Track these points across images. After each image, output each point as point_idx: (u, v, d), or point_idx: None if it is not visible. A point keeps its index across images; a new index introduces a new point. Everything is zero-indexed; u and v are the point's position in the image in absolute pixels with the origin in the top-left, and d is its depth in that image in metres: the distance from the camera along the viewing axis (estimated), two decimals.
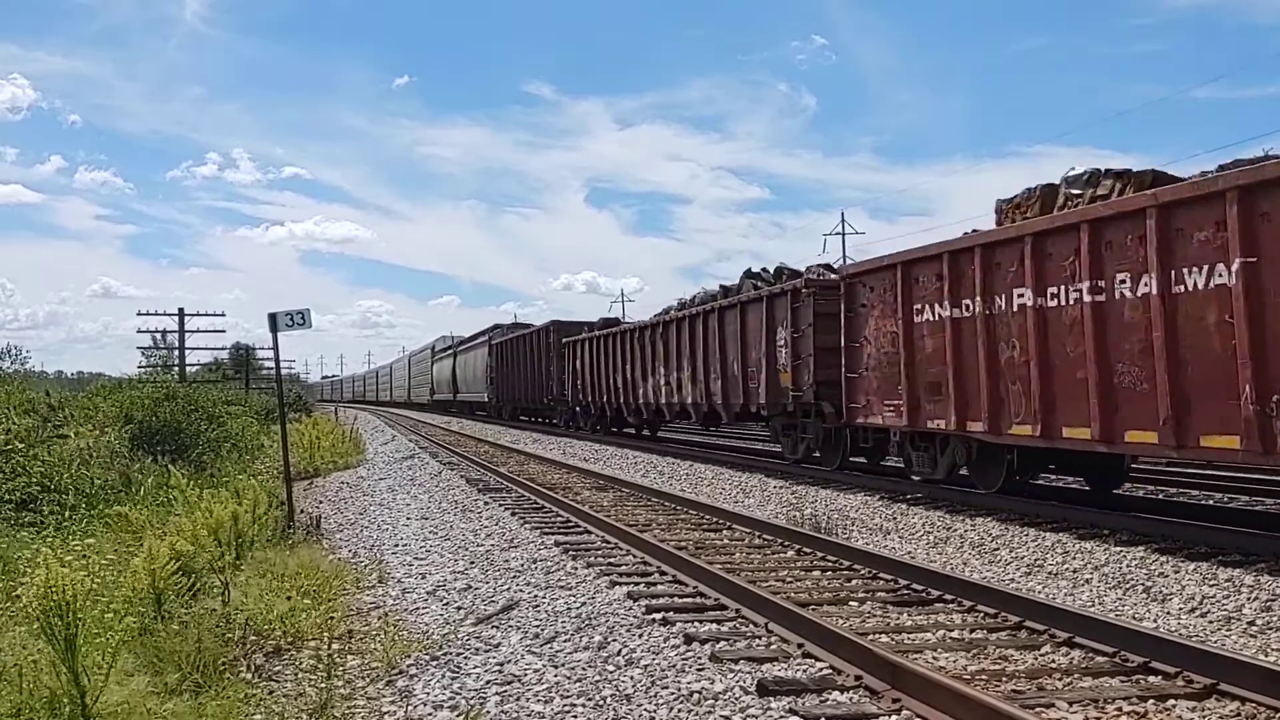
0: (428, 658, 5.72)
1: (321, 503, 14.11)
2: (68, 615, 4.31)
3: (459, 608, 7.06)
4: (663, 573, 8.00)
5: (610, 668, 5.44)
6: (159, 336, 50.20)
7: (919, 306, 11.71)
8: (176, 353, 46.96)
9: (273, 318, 11.21)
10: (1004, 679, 5.05)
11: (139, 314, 50.18)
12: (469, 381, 49.09)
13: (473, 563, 8.81)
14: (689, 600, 7.05)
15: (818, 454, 15.35)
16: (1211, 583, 7.17)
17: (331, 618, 6.40)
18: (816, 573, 8.01)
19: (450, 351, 56.46)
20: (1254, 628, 6.23)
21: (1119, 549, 8.45)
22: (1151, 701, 4.65)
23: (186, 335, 46.32)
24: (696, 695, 4.88)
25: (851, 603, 6.89)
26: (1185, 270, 8.20)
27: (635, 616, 6.55)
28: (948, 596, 6.83)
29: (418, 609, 7.07)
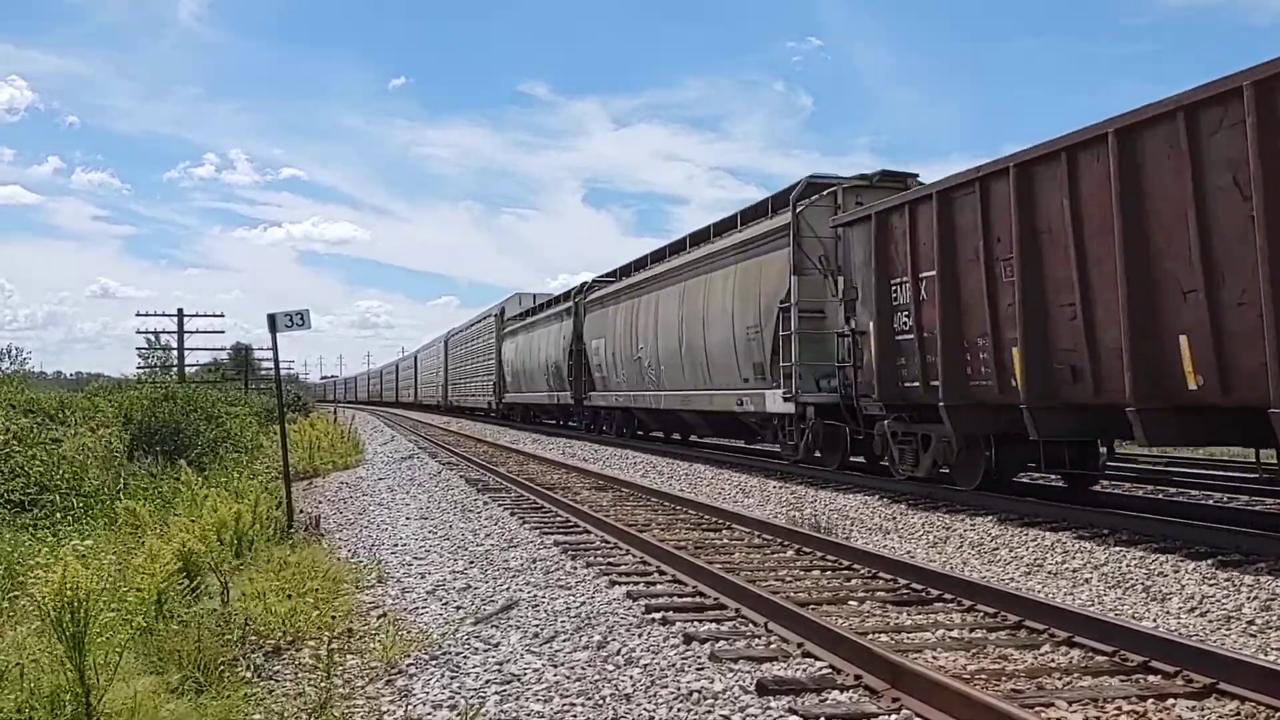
0: (427, 657, 5.72)
1: (321, 503, 14.11)
2: (79, 614, 4.31)
3: (458, 607, 7.06)
4: (662, 572, 8.00)
5: (610, 667, 5.44)
6: (155, 337, 50.19)
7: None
8: (175, 353, 47.00)
9: (272, 318, 11.20)
10: (1004, 678, 5.05)
11: (138, 314, 50.40)
12: (641, 368, 22.61)
13: (472, 562, 8.81)
14: (688, 600, 7.05)
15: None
16: (1211, 582, 7.18)
17: (331, 618, 6.39)
18: (816, 572, 8.01)
19: (550, 315, 31.72)
20: (1254, 627, 6.24)
21: (1118, 548, 8.45)
22: (1151, 701, 4.65)
23: (186, 335, 46.35)
24: (696, 695, 4.88)
25: (851, 602, 6.89)
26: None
27: (635, 616, 6.56)
28: (947, 596, 6.84)
29: (417, 609, 7.07)
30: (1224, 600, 6.77)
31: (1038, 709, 4.48)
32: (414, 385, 70.64)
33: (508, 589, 7.61)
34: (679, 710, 4.71)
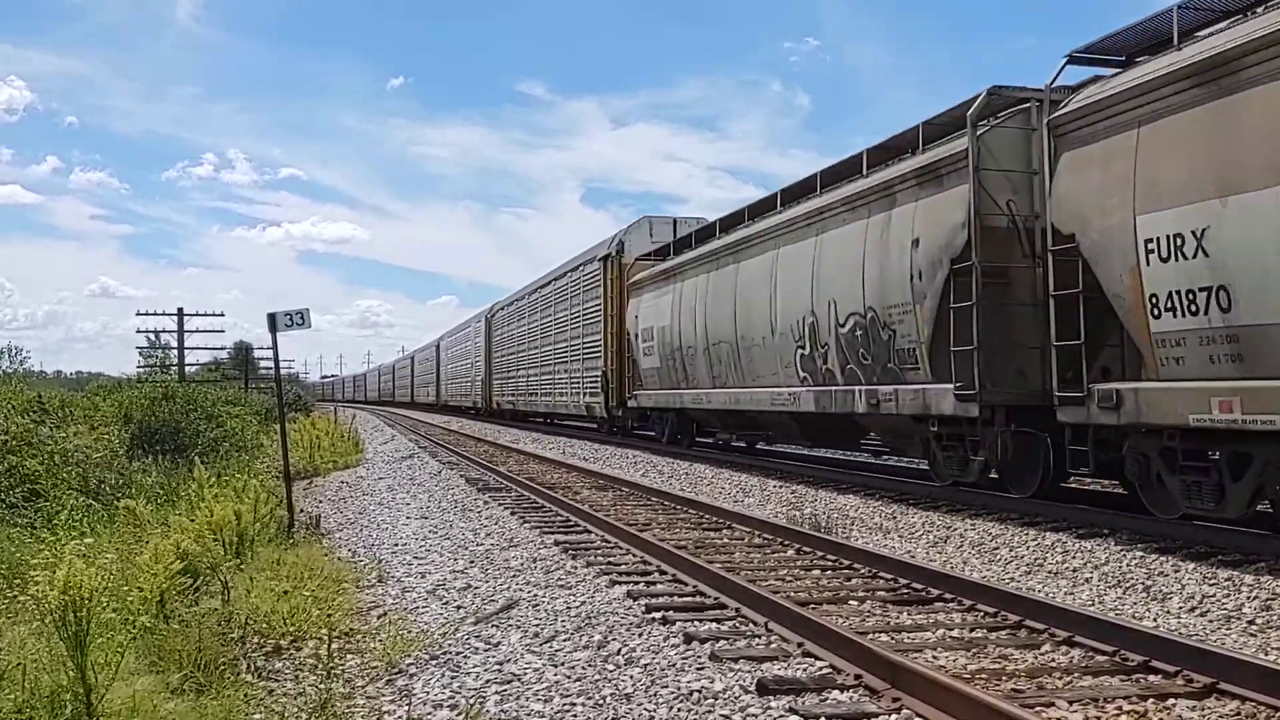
0: (427, 657, 5.72)
1: (321, 502, 14.11)
2: (81, 613, 4.31)
3: (459, 607, 7.06)
4: (662, 572, 8.00)
5: (610, 667, 5.44)
6: (154, 336, 50.15)
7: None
8: (174, 352, 47.01)
9: (272, 318, 11.20)
10: (1004, 678, 5.05)
11: (138, 314, 50.35)
12: None
13: (472, 562, 8.82)
14: (689, 599, 7.06)
15: None
16: (1211, 582, 7.18)
17: (332, 617, 6.40)
18: (816, 572, 8.01)
19: (823, 212, 13.69)
20: (1254, 627, 6.24)
21: (1119, 548, 8.45)
22: (1151, 700, 4.65)
23: (186, 335, 46.36)
24: (696, 694, 4.88)
25: (851, 602, 6.89)
26: None
27: (635, 616, 6.56)
28: (947, 595, 6.84)
29: (417, 608, 7.08)
30: (1224, 600, 6.77)
31: (1038, 709, 4.49)
32: (435, 382, 54.90)
33: (508, 588, 7.61)
34: (679, 710, 4.71)
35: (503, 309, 39.04)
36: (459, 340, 50.01)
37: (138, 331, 53.33)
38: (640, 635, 6.04)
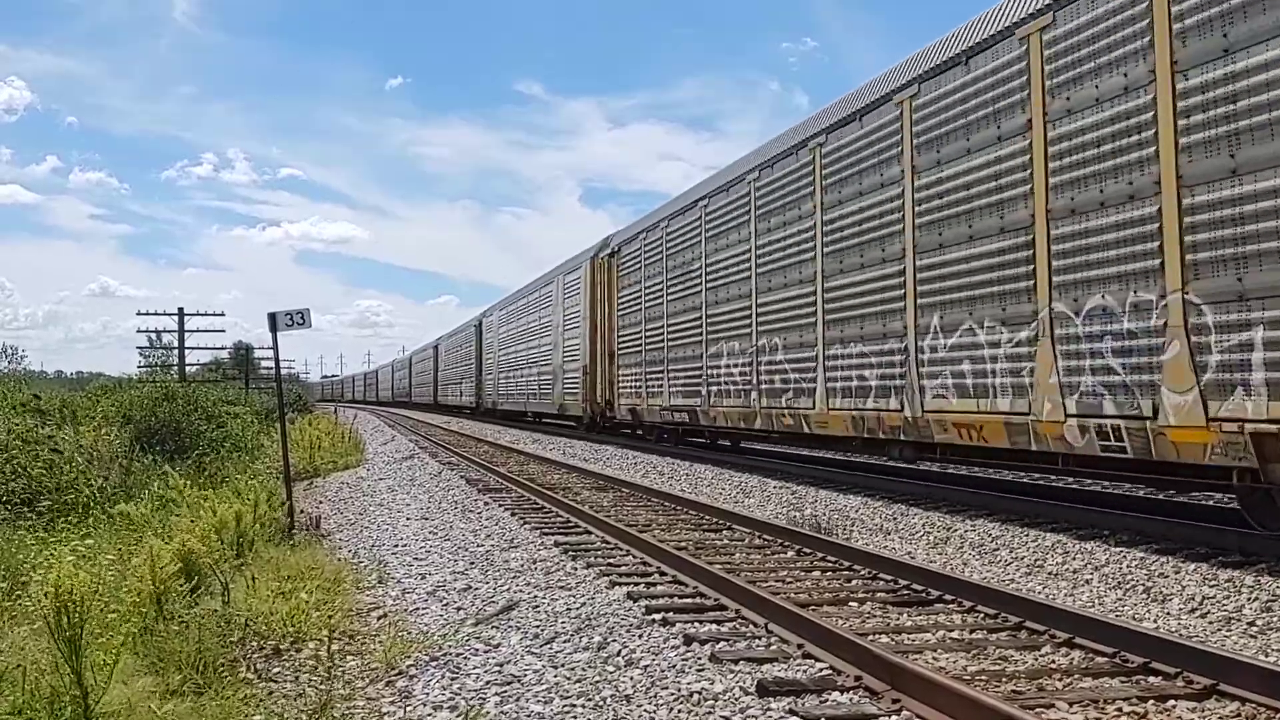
0: (427, 658, 5.72)
1: (321, 503, 14.10)
2: (74, 615, 4.31)
3: (459, 608, 7.06)
4: (662, 573, 8.00)
5: (610, 668, 5.44)
6: (155, 336, 50.15)
7: None
8: (175, 352, 47.03)
9: (272, 317, 11.20)
10: (1004, 679, 5.05)
11: (139, 314, 50.38)
12: None
13: (473, 563, 8.81)
14: (689, 600, 7.05)
15: None
16: (1211, 583, 7.17)
17: (331, 618, 6.40)
18: (816, 573, 8.01)
19: None
20: (1254, 628, 6.23)
21: (1119, 549, 8.45)
22: (1151, 702, 4.65)
23: (186, 335, 46.38)
24: (696, 696, 4.88)
25: (851, 603, 6.89)
26: None
27: (635, 617, 6.56)
28: (948, 597, 6.84)
29: (417, 609, 7.07)
30: (1224, 601, 6.77)
31: (1038, 710, 4.49)
32: (475, 374, 41.39)
33: (508, 590, 7.61)
34: (679, 711, 4.71)
35: (636, 238, 21.67)
36: (519, 312, 33.17)
37: (138, 331, 53.44)
38: (640, 637, 6.04)
